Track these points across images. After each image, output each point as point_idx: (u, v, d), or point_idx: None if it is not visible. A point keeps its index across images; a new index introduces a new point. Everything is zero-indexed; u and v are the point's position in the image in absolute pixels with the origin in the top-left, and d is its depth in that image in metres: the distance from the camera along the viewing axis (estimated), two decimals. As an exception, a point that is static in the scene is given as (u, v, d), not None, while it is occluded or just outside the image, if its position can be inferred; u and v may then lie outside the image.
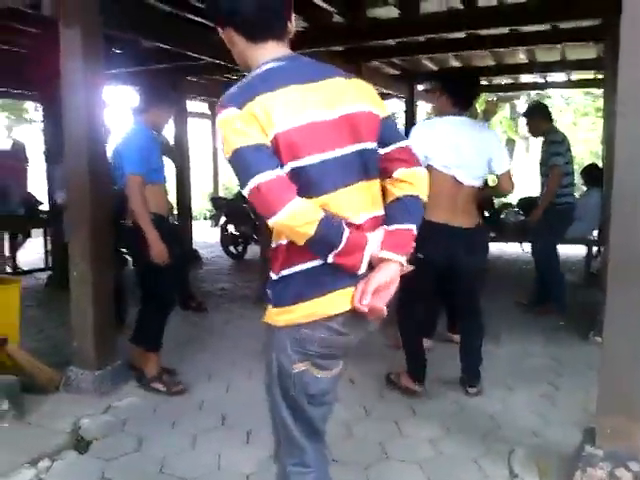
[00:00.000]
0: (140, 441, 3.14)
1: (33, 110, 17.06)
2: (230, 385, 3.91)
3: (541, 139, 5.67)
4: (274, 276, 1.69)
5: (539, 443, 3.07)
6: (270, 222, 1.53)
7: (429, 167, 3.20)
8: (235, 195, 9.67)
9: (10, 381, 3.43)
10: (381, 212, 1.72)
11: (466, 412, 3.46)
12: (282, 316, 1.67)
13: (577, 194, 6.47)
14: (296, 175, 1.55)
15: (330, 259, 1.57)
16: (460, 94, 3.51)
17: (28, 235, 8.09)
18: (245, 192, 1.54)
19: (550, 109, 5.84)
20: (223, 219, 9.12)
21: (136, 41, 6.34)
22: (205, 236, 10.43)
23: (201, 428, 3.28)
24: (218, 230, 9.20)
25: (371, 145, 1.68)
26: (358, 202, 1.65)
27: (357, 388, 3.80)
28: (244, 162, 1.52)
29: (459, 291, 3.66)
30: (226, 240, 9.02)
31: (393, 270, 1.63)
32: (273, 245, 1.71)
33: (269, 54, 1.65)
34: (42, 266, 7.65)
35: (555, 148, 5.31)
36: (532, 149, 20.77)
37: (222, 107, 1.55)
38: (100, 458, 2.97)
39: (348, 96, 1.65)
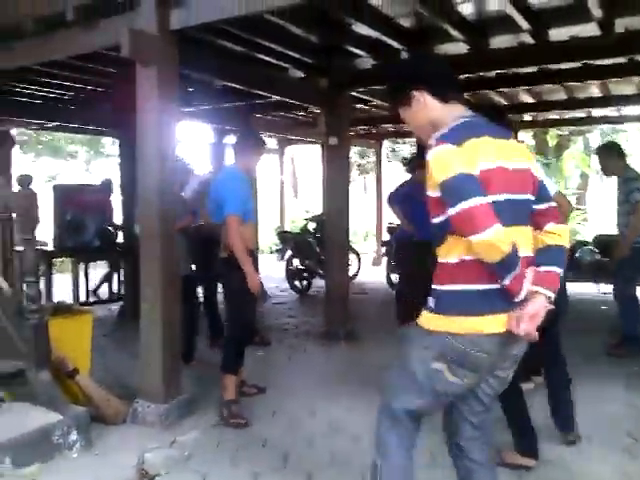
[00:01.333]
0: (203, 478, 3.13)
1: (110, 145, 17.77)
2: (293, 422, 3.88)
3: (615, 178, 5.45)
4: (440, 287, 2.00)
5: (619, 501, 2.87)
6: (474, 239, 1.81)
7: None
8: (301, 229, 9.73)
9: (79, 412, 3.50)
10: (531, 254, 2.03)
11: (539, 463, 3.19)
12: (439, 321, 1.97)
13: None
14: None
15: (507, 281, 1.86)
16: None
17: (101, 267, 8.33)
18: (453, 210, 1.83)
19: (624, 144, 5.60)
20: (289, 253, 9.19)
21: (209, 81, 6.55)
22: (271, 270, 10.51)
23: (263, 467, 3.25)
24: (284, 264, 9.26)
25: (531, 197, 2.05)
26: (519, 240, 1.92)
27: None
28: (460, 185, 1.84)
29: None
30: (291, 274, 9.07)
31: (542, 302, 1.93)
32: (441, 261, 2.01)
33: (457, 112, 2.05)
34: (115, 297, 7.86)
35: (633, 184, 5.10)
36: (607, 182, 20.09)
37: (439, 143, 1.91)
38: (163, 494, 2.98)
39: (518, 154, 2.05)
